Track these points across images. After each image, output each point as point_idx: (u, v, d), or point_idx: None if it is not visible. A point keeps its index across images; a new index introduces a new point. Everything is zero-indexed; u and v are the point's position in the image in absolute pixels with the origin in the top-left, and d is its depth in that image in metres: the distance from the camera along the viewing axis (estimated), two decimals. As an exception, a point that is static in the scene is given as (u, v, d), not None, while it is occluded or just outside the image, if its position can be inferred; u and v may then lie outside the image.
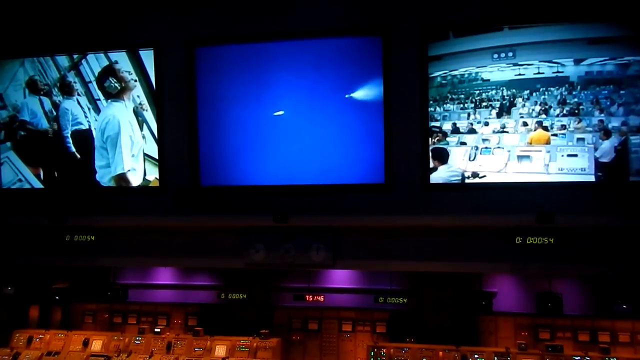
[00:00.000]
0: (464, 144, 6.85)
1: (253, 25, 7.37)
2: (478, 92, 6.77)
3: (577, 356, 7.55)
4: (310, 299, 9.12)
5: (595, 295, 8.71)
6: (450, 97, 6.85)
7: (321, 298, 9.14)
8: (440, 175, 6.95)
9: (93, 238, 8.29)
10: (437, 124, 6.90)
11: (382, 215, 7.27)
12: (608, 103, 6.43)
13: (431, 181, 6.97)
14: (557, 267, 7.30)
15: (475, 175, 6.85)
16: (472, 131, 6.84)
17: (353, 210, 7.36)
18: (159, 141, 7.70)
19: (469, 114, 6.82)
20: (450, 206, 7.06)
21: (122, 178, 7.88)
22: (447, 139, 6.89)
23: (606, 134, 6.45)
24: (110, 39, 7.78)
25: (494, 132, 6.78)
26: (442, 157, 6.92)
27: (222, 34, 7.42)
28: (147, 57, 7.61)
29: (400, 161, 7.07)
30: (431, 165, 6.95)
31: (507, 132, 6.73)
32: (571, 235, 6.94)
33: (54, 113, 8.00)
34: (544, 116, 6.62)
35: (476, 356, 7.70)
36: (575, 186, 6.65)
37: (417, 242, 7.50)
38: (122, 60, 7.70)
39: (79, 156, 7.99)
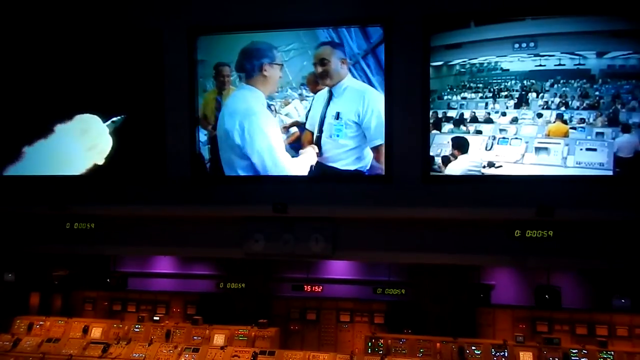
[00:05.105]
0: (479, 132, 6.79)
1: (254, 14, 7.35)
2: (497, 81, 6.71)
3: (574, 349, 7.55)
4: (309, 290, 9.13)
5: (594, 289, 8.72)
6: (468, 85, 6.80)
7: (320, 288, 9.15)
8: (460, 165, 6.89)
9: (93, 226, 8.31)
10: (454, 112, 6.85)
11: (382, 206, 7.26)
12: (629, 98, 6.36)
13: (450, 171, 6.91)
14: (556, 261, 7.30)
15: (491, 165, 6.80)
16: (489, 121, 6.79)
17: (353, 202, 7.36)
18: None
19: (486, 104, 6.77)
20: (450, 198, 7.04)
21: None
22: (463, 127, 6.84)
23: (625, 128, 6.37)
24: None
25: (511, 122, 6.72)
26: (462, 146, 6.86)
27: (223, 23, 7.40)
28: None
29: (401, 152, 7.05)
30: (449, 153, 6.91)
31: (523, 123, 6.67)
32: (570, 228, 6.93)
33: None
34: (563, 108, 6.56)
35: (473, 348, 7.71)
36: (575, 181, 6.63)
37: (416, 234, 7.49)
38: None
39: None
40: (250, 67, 7.23)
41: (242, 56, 7.24)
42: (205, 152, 7.57)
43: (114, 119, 7.79)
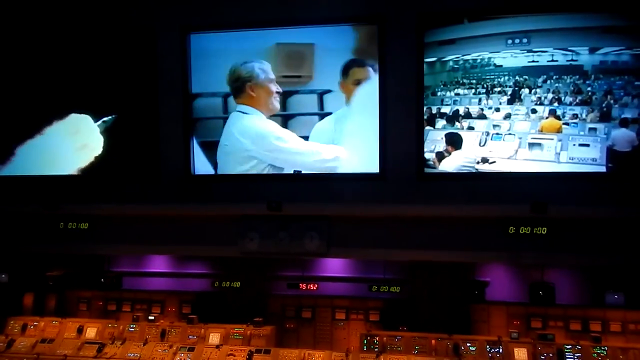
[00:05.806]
0: (471, 128, 6.82)
1: (249, 12, 7.33)
2: (490, 77, 6.74)
3: (568, 345, 7.58)
4: (304, 288, 9.13)
5: (588, 285, 8.75)
6: (461, 81, 6.81)
7: (315, 286, 9.16)
8: (454, 161, 6.91)
9: (86, 226, 8.28)
10: (448, 108, 6.86)
11: (377, 204, 7.27)
12: (622, 93, 6.39)
13: (444, 168, 6.93)
14: (550, 257, 7.33)
15: (485, 161, 6.83)
16: (482, 117, 6.81)
17: (347, 199, 7.36)
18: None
19: (480, 100, 6.79)
20: (444, 195, 7.06)
21: None
22: (457, 123, 6.86)
23: (623, 122, 6.40)
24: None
25: (504, 118, 6.75)
26: (456, 142, 6.88)
27: (216, 21, 7.38)
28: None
29: (395, 150, 7.05)
30: (443, 149, 6.92)
31: (517, 119, 6.70)
32: (564, 225, 6.96)
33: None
34: (556, 104, 6.60)
35: (468, 344, 7.72)
36: (568, 177, 6.66)
37: (411, 231, 7.51)
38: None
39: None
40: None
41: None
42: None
43: (105, 118, 7.77)
